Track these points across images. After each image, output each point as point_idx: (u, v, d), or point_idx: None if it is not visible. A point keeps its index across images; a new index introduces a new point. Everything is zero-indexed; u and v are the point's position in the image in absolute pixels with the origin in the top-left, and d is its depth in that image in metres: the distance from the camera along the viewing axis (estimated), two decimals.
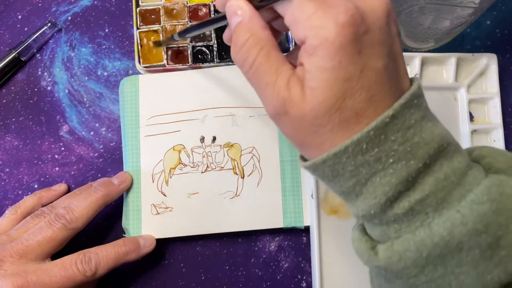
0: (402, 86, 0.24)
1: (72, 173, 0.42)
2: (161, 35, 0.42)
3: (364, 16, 0.22)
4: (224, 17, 0.28)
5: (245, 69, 0.25)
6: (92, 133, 0.43)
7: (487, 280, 0.23)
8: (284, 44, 0.43)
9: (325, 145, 0.24)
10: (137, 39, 0.42)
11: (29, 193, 0.41)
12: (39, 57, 0.44)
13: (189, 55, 0.42)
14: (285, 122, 0.24)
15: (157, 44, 0.41)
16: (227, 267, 0.41)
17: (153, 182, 0.40)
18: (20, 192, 0.42)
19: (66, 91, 0.43)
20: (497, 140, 0.42)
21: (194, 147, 0.40)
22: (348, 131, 0.23)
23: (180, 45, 0.42)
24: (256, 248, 0.41)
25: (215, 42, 0.42)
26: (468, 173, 0.24)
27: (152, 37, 0.42)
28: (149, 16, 0.42)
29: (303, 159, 0.27)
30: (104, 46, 0.44)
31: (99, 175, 0.42)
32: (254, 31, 0.24)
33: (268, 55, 0.24)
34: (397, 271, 0.24)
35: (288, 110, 0.24)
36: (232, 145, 0.41)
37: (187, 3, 0.43)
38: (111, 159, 0.42)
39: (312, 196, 0.39)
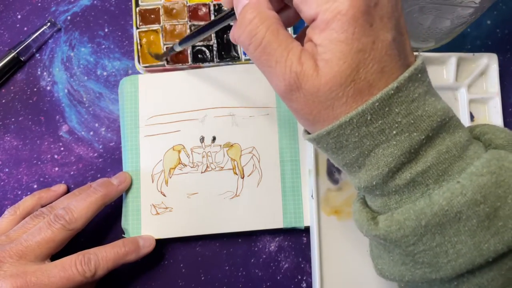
0: (409, 60, 0.25)
1: (72, 173, 0.42)
2: (160, 35, 0.42)
3: None
4: (223, 17, 0.28)
5: (253, 47, 0.24)
6: (91, 133, 0.42)
7: (483, 249, 0.23)
8: None
9: (340, 118, 0.24)
10: (136, 39, 0.42)
11: (29, 193, 0.41)
12: (39, 57, 0.44)
13: (189, 54, 0.42)
14: (298, 98, 0.24)
15: (157, 57, 0.41)
16: (227, 268, 0.41)
17: (152, 182, 0.40)
18: (19, 193, 0.41)
19: (66, 91, 0.43)
20: None
21: (194, 147, 0.40)
22: (362, 103, 0.23)
23: None
24: (256, 249, 0.41)
25: (215, 41, 0.42)
26: (469, 147, 0.25)
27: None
28: (148, 16, 0.42)
29: (307, 132, 0.27)
30: (103, 46, 0.44)
31: (99, 175, 0.42)
32: (261, 10, 0.24)
33: (277, 33, 0.24)
34: (396, 239, 0.25)
35: (302, 84, 0.23)
36: (232, 145, 0.40)
37: (186, 3, 0.43)
38: (111, 159, 0.42)
39: (312, 196, 0.39)
